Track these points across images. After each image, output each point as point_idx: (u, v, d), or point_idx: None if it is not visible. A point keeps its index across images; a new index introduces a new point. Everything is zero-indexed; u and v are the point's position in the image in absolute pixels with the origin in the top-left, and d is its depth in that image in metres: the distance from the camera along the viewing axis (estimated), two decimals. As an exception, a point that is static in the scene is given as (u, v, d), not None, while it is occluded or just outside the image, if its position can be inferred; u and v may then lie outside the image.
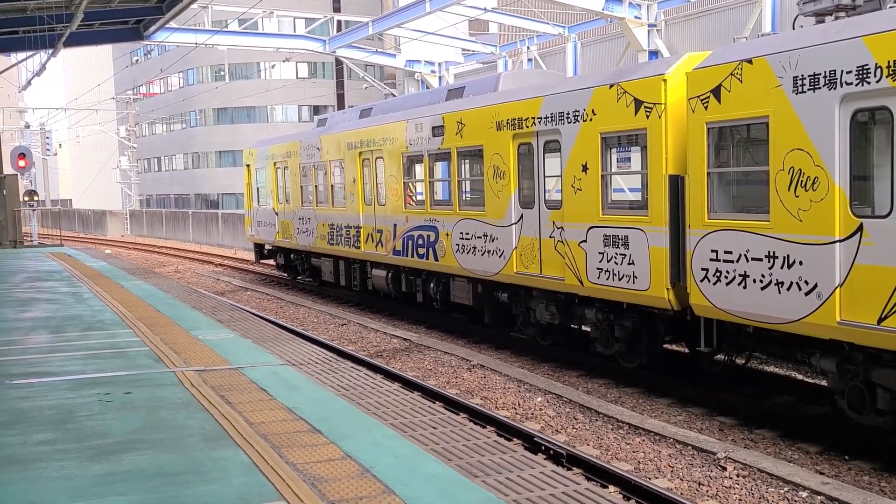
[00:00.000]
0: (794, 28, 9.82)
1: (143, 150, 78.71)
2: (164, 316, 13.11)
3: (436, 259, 15.91)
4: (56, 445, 6.50)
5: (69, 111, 69.52)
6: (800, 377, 11.94)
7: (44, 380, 8.83)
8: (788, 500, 7.73)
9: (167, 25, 27.02)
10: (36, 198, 36.83)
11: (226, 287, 25.57)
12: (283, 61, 43.62)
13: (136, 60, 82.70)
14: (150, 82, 78.38)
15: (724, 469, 8.51)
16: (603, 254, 11.61)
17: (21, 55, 32.21)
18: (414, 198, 17.46)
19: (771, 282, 9.04)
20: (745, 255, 9.34)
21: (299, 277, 24.96)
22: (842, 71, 8.10)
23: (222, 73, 68.33)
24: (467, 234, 14.84)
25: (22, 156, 34.95)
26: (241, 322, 12.78)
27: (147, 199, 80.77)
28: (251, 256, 30.66)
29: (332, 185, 20.68)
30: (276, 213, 24.29)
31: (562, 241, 12.42)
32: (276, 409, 7.46)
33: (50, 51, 26.63)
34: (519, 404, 11.27)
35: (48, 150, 65.50)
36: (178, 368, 9.20)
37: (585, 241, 11.92)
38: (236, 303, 20.65)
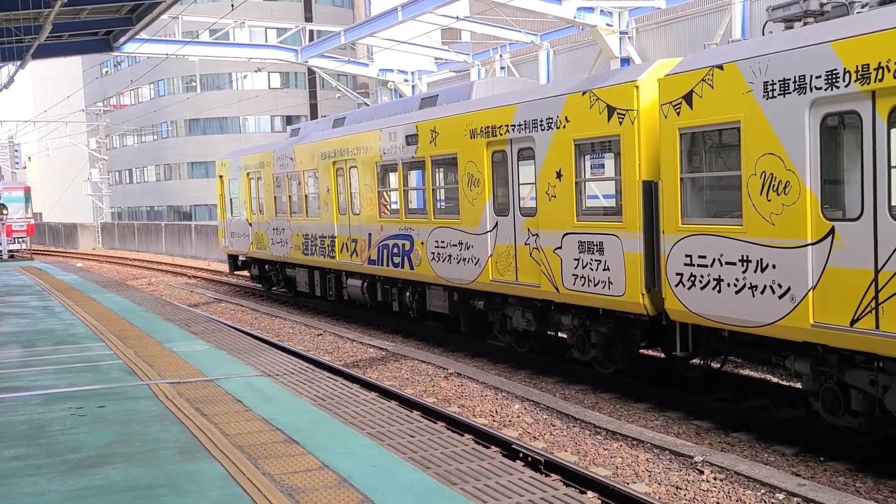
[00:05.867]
0: (763, 34, 9.91)
1: (114, 163, 78.01)
2: (137, 328, 12.98)
3: (411, 268, 15.88)
4: (28, 461, 6.40)
5: (38, 123, 68.78)
6: (774, 380, 12.03)
7: (15, 395, 8.70)
8: (765, 502, 7.77)
9: (137, 36, 26.81)
10: (5, 212, 36.42)
11: (200, 299, 25.37)
12: (255, 71, 43.45)
13: (106, 72, 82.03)
14: (121, 94, 77.79)
15: (702, 473, 8.55)
16: (578, 260, 11.64)
17: (-12, 67, 31.86)
18: (388, 207, 17.42)
19: (745, 286, 9.10)
20: (719, 260, 9.40)
21: (274, 288, 24.83)
22: (811, 76, 8.19)
23: (193, 83, 67.78)
24: (442, 242, 14.83)
25: (-10, 169, 34.55)
26: (215, 334, 12.68)
27: (119, 211, 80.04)
28: (225, 268, 30.46)
29: (305, 195, 20.61)
30: (250, 224, 24.16)
31: (537, 248, 12.44)
32: (252, 421, 7.40)
33: (18, 63, 26.34)
34: (496, 412, 11.26)
35: (17, 163, 64.90)
36: (152, 381, 9.10)
37: (560, 247, 11.95)
38: (210, 314, 20.49)
